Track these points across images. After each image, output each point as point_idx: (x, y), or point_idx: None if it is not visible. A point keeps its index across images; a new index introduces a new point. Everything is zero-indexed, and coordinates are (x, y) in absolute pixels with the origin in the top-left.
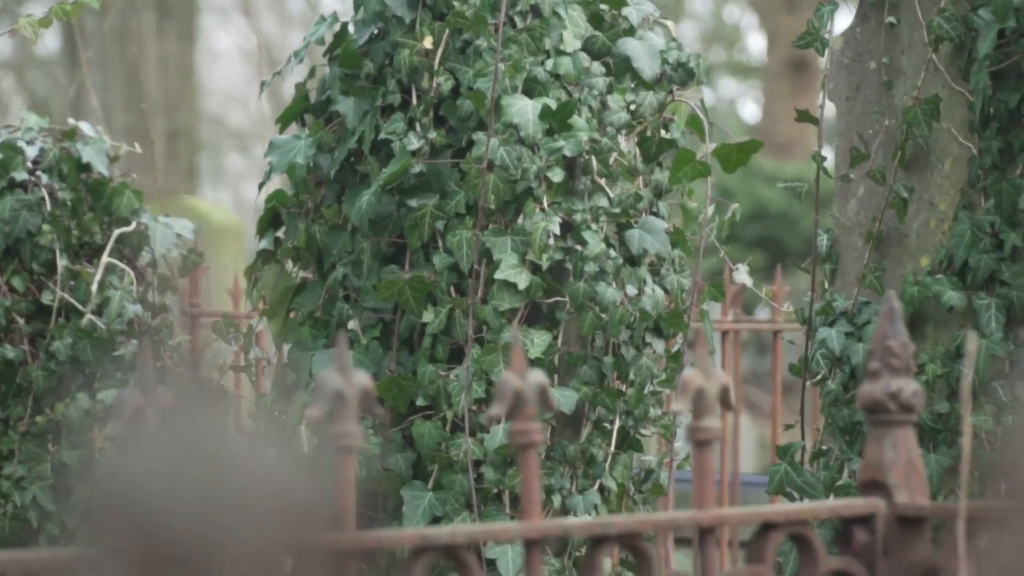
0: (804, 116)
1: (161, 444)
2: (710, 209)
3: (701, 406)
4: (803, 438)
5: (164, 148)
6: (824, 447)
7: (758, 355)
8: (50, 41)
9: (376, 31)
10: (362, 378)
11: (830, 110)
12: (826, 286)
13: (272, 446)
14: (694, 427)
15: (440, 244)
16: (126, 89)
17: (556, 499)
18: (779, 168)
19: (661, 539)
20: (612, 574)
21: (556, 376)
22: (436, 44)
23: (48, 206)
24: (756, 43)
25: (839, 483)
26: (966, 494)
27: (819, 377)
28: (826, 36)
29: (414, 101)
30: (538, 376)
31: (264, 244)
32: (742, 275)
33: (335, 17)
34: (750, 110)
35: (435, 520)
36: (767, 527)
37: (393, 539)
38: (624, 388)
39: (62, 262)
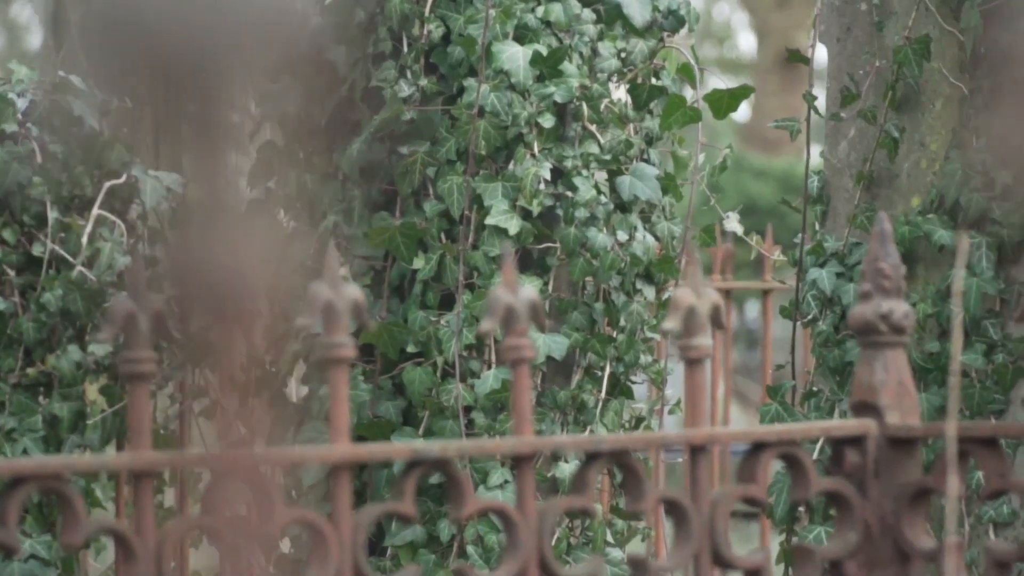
0: (795, 56)
1: None
2: (701, 157)
3: (692, 324)
4: (793, 378)
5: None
6: (815, 388)
7: (748, 350)
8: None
9: None
10: (352, 290)
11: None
12: (817, 228)
13: None
14: (685, 345)
15: (431, 191)
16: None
17: None
18: (769, 164)
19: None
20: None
21: (547, 322)
22: None
23: (38, 158)
24: (746, 41)
25: None
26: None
27: (809, 318)
28: None
29: (405, 48)
30: (529, 291)
31: (255, 194)
32: (732, 223)
33: None
34: (739, 109)
35: None
36: (758, 447)
37: (386, 452)
38: (615, 334)
39: (52, 214)
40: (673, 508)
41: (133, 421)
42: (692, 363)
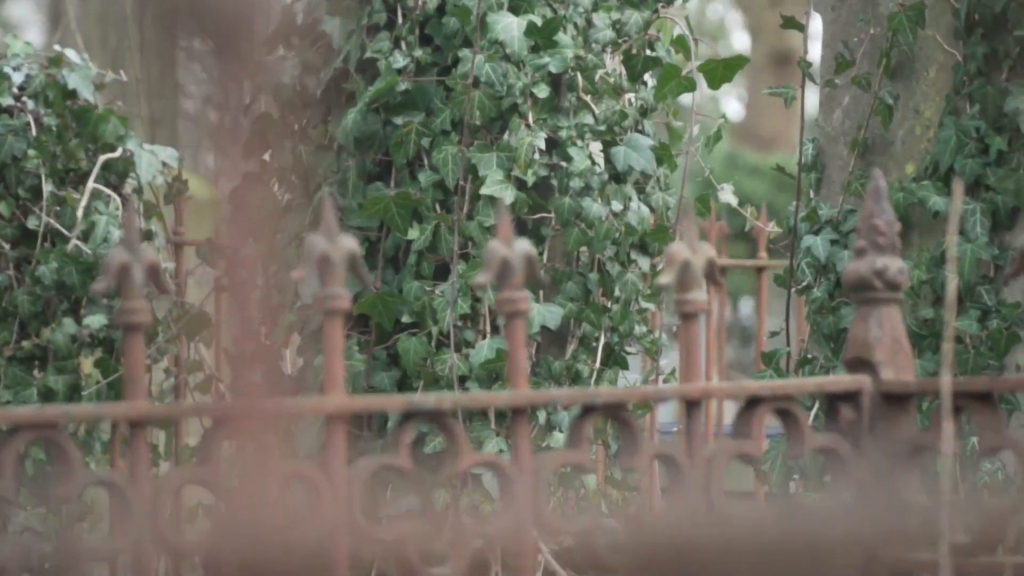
0: (789, 23)
1: None
2: (695, 128)
3: (687, 278)
4: (788, 344)
5: (148, 131)
6: (809, 355)
7: (742, 346)
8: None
9: None
10: (348, 242)
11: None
12: (811, 195)
13: None
14: (680, 299)
15: (425, 161)
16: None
17: (541, 415)
18: (763, 160)
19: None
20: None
21: (541, 292)
22: None
23: (34, 131)
24: (740, 40)
25: None
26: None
27: (804, 285)
28: None
29: (399, 20)
30: (525, 245)
31: (250, 166)
32: (727, 194)
33: None
34: (733, 108)
35: (420, 436)
36: (753, 401)
37: (381, 403)
38: (609, 304)
39: (48, 187)
40: (668, 464)
41: (128, 371)
42: (687, 317)
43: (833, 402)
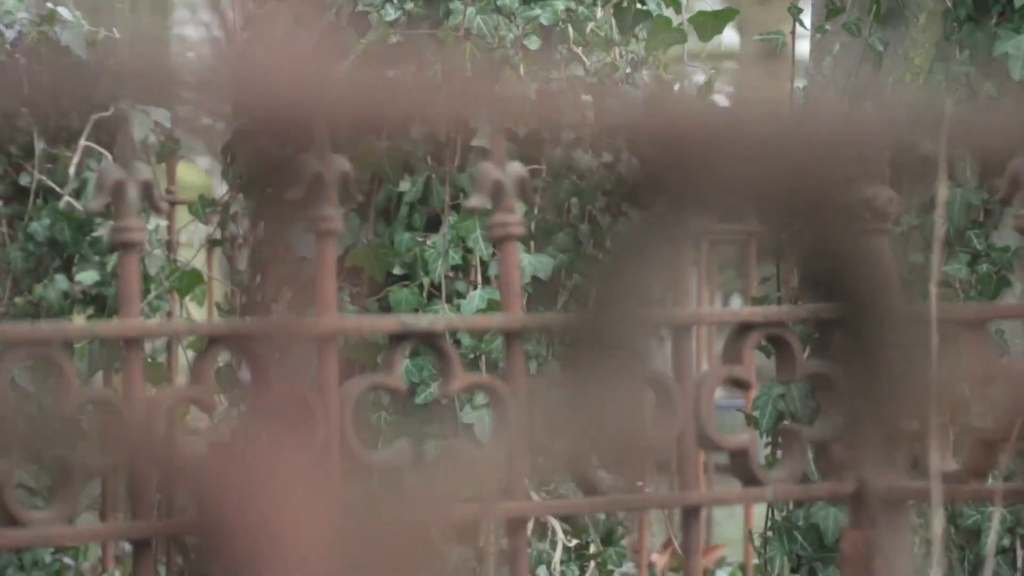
0: None
1: None
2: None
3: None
4: (778, 290)
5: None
6: (799, 302)
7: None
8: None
9: None
10: (340, 162)
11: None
12: None
13: None
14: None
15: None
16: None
17: (532, 365)
18: None
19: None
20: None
21: (532, 244)
22: None
23: (25, 89)
24: (728, 35)
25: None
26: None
27: None
28: None
29: None
30: (517, 166)
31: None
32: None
33: None
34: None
35: (412, 386)
36: (745, 328)
37: (373, 324)
38: (600, 256)
39: (40, 145)
40: (657, 388)
41: (123, 290)
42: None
43: (825, 329)
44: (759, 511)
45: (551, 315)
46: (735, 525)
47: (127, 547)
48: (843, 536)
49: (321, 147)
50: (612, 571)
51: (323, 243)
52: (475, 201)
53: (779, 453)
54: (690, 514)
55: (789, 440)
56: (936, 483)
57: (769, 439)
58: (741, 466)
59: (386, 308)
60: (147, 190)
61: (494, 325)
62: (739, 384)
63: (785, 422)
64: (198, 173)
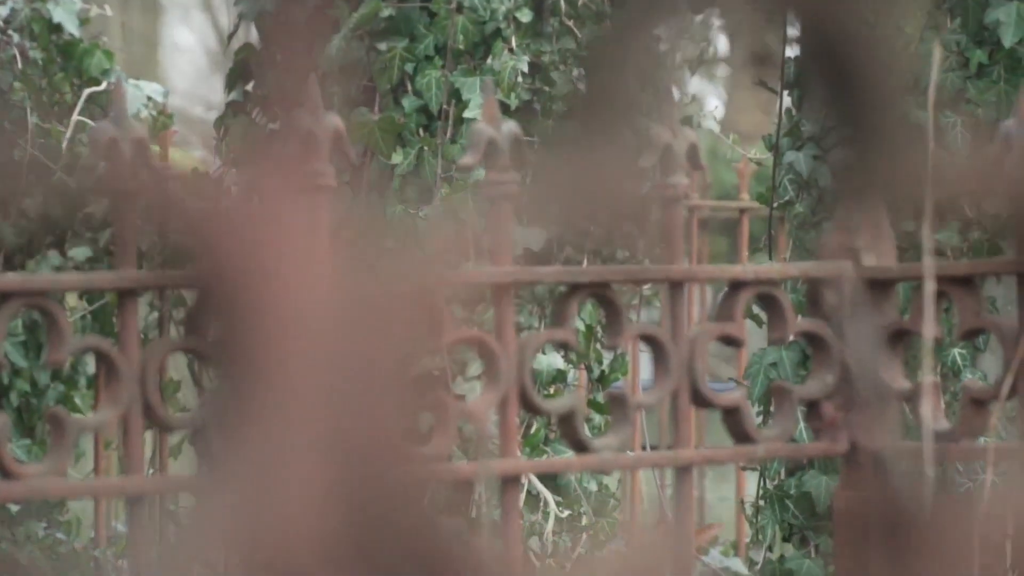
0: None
1: None
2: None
3: (668, 162)
4: (770, 258)
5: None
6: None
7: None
8: None
9: None
10: (333, 119)
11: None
12: (793, 112)
13: None
14: (661, 184)
15: (409, 87)
16: None
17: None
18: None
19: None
20: None
21: (525, 216)
22: None
23: (19, 65)
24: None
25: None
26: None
27: (785, 200)
28: None
29: None
30: (512, 125)
31: (234, 96)
32: (708, 119)
33: None
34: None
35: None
36: (737, 285)
37: None
38: (591, 227)
39: (33, 120)
40: (652, 344)
41: (119, 240)
42: (669, 202)
43: (816, 287)
44: (750, 483)
45: (542, 269)
46: (728, 508)
47: (120, 528)
48: (835, 496)
49: (314, 106)
50: (604, 542)
51: (316, 199)
52: (469, 159)
53: (770, 422)
54: (682, 473)
55: (780, 399)
56: (928, 441)
57: (761, 408)
58: (733, 424)
59: None
60: (141, 148)
61: (484, 279)
62: (731, 341)
63: (776, 381)
64: (192, 160)
